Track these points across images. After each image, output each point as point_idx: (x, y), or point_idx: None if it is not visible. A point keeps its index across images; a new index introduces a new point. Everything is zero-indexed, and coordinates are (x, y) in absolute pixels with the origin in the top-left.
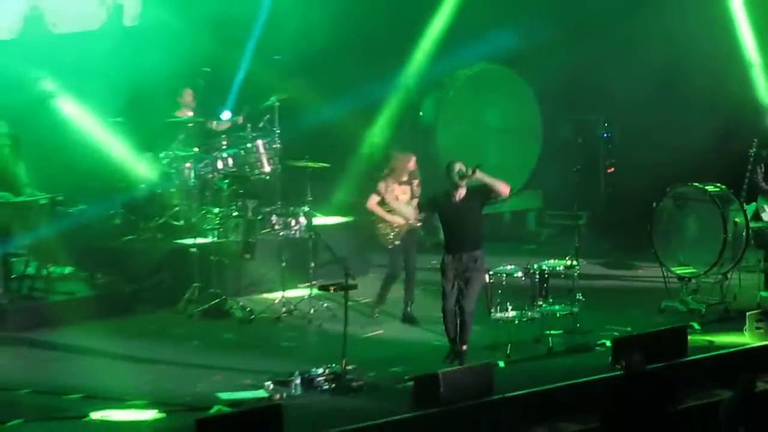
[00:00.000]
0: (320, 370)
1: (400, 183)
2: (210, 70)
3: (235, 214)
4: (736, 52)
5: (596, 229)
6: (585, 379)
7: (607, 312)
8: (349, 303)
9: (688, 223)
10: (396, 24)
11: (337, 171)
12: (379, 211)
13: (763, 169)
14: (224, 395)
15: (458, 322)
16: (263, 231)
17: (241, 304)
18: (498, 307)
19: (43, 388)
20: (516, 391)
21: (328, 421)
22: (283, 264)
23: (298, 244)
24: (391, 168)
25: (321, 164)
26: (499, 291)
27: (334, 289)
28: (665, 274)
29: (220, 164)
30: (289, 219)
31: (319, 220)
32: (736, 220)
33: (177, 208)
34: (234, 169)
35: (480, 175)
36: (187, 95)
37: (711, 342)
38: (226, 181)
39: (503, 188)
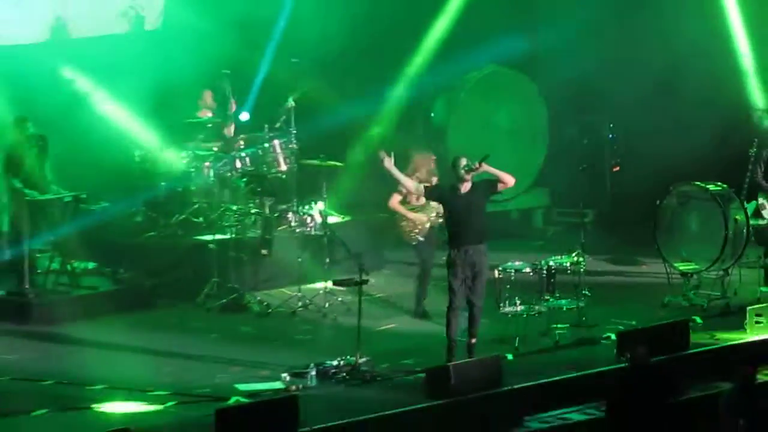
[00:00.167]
0: (335, 362)
1: (420, 182)
2: (229, 72)
3: (252, 211)
4: (733, 56)
5: (602, 227)
6: (590, 372)
7: (612, 306)
8: (363, 297)
9: (690, 220)
10: (408, 28)
11: (351, 170)
12: (402, 210)
13: (763, 168)
14: (242, 386)
15: (467, 316)
16: (280, 228)
17: (258, 298)
18: (506, 302)
19: (67, 379)
20: (524, 383)
21: (343, 412)
22: (299, 260)
23: (314, 241)
24: (414, 168)
25: (335, 163)
26: (508, 286)
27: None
28: (668, 270)
29: (238, 163)
30: (305, 216)
31: (334, 217)
32: (737, 217)
33: (196, 206)
34: (252, 168)
35: (486, 168)
36: (207, 97)
37: (712, 335)
38: (244, 179)
39: (509, 179)
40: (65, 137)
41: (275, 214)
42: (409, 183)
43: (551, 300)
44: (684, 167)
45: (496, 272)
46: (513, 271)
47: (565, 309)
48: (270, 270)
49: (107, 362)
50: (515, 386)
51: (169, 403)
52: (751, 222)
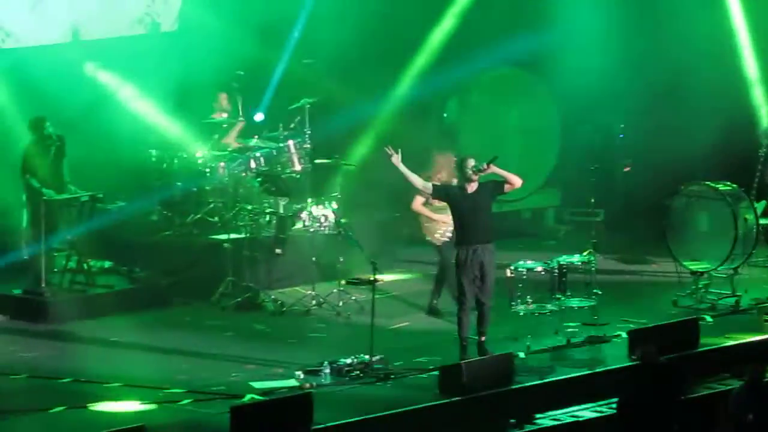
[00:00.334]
0: (349, 360)
1: (441, 182)
2: (243, 74)
3: (267, 210)
4: (739, 62)
5: (613, 226)
6: (602, 369)
7: (623, 305)
8: (377, 296)
9: (700, 220)
10: (421, 28)
11: (364, 169)
12: (426, 212)
13: None
14: (257, 384)
15: (477, 314)
16: (294, 227)
17: (272, 297)
18: (518, 300)
19: (84, 376)
20: (536, 381)
21: (357, 409)
22: (313, 259)
23: (328, 240)
24: (436, 169)
25: (349, 163)
26: (520, 285)
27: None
28: (678, 268)
29: (252, 163)
30: (319, 215)
31: (347, 217)
32: (747, 217)
33: (212, 205)
34: (266, 168)
35: (494, 169)
36: (222, 99)
37: (722, 334)
38: (259, 179)
39: (516, 181)
40: (83, 138)
41: (289, 214)
42: (417, 180)
43: (563, 299)
44: (694, 167)
45: (508, 271)
46: (525, 270)
47: (576, 307)
48: (284, 269)
49: (123, 360)
50: (527, 384)
51: (184, 401)
52: (761, 221)
